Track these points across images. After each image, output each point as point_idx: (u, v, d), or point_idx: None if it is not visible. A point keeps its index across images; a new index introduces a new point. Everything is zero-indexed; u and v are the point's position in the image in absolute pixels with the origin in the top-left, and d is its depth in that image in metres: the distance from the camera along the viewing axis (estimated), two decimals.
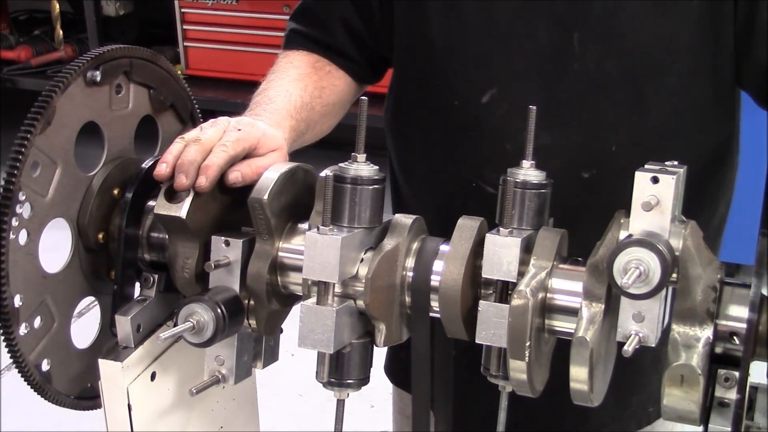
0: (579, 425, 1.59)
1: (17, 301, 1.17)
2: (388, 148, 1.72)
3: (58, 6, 5.60)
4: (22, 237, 1.16)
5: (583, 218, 1.38)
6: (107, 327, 1.29)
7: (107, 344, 1.28)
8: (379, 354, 1.26)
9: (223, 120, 1.28)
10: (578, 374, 1.11)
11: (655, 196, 1.06)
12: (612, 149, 1.45)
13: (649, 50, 1.43)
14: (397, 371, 1.79)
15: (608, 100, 1.45)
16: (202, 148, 1.22)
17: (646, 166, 1.10)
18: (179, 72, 1.40)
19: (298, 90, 1.54)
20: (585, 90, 1.44)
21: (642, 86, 1.44)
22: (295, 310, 1.24)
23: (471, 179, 1.52)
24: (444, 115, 1.54)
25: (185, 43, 5.46)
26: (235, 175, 1.24)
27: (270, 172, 1.22)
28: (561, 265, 1.18)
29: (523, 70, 1.46)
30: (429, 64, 1.54)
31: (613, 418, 1.60)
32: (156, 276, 1.29)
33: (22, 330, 1.18)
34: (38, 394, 1.23)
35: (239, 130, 1.26)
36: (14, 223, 1.14)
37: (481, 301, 1.16)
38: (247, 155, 1.27)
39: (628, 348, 1.05)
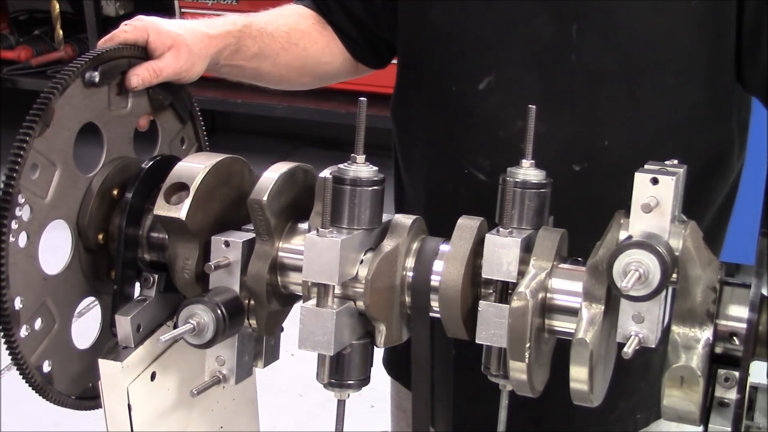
0: (562, 424, 1.59)
1: (17, 304, 1.17)
2: (392, 137, 1.72)
3: (58, 6, 5.59)
4: (22, 239, 1.16)
5: (572, 211, 1.38)
6: (108, 327, 1.30)
7: (108, 344, 1.28)
8: (379, 351, 1.26)
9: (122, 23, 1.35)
10: (578, 375, 1.11)
11: (655, 197, 1.06)
12: (605, 144, 1.46)
13: (646, 47, 1.43)
14: (394, 364, 1.80)
15: (603, 93, 1.45)
16: None
17: (646, 167, 1.10)
18: None
19: (262, 18, 1.57)
20: (581, 82, 1.45)
21: (638, 82, 1.44)
22: (296, 309, 1.24)
23: (464, 165, 1.52)
24: (441, 101, 1.55)
25: None
26: (135, 79, 1.30)
27: (269, 172, 1.22)
28: (561, 265, 1.17)
29: (521, 59, 1.47)
30: (429, 49, 1.55)
31: (598, 421, 1.59)
32: (156, 276, 1.29)
33: (23, 332, 1.18)
34: (40, 395, 1.23)
35: (125, 25, 1.33)
36: (14, 225, 1.14)
37: (481, 302, 1.16)
38: (147, 56, 1.33)
39: (628, 350, 1.05)
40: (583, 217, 1.21)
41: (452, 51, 1.52)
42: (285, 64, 1.59)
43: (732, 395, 1.08)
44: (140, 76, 1.31)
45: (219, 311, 1.17)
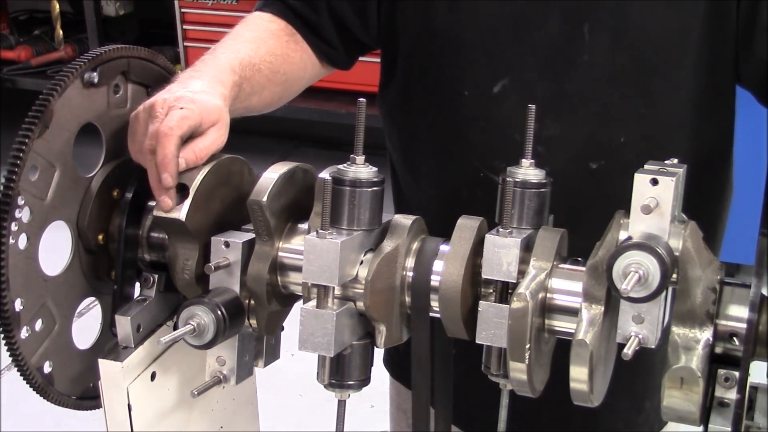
0: (589, 426, 1.58)
1: (18, 305, 1.17)
2: (386, 140, 1.70)
3: (58, 6, 5.59)
4: (22, 241, 1.16)
5: (590, 209, 1.38)
6: (108, 327, 1.30)
7: (108, 344, 1.28)
8: (379, 351, 1.26)
9: (160, 101, 1.25)
10: (578, 375, 1.11)
11: (655, 198, 1.06)
12: (620, 141, 1.46)
13: (659, 43, 1.44)
14: (395, 363, 1.80)
15: (617, 91, 1.46)
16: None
17: (646, 167, 1.10)
18: (179, 72, 1.39)
19: (247, 50, 1.51)
20: (594, 81, 1.45)
21: (651, 79, 1.45)
22: (296, 309, 1.24)
23: (479, 169, 1.52)
24: (452, 106, 1.54)
25: (185, 43, 5.45)
26: (182, 163, 1.23)
27: (269, 172, 1.22)
28: (561, 265, 1.17)
29: (534, 61, 1.47)
30: (437, 55, 1.54)
31: (626, 424, 1.59)
32: (156, 276, 1.29)
33: (23, 333, 1.18)
34: (40, 396, 1.23)
35: (181, 109, 1.24)
36: (14, 227, 1.14)
37: (481, 302, 1.16)
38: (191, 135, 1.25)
39: (628, 351, 1.05)
40: (601, 214, 1.21)
41: (463, 56, 1.51)
42: (269, 94, 1.56)
43: (732, 395, 1.08)
44: (186, 159, 1.24)
45: (219, 312, 1.17)
